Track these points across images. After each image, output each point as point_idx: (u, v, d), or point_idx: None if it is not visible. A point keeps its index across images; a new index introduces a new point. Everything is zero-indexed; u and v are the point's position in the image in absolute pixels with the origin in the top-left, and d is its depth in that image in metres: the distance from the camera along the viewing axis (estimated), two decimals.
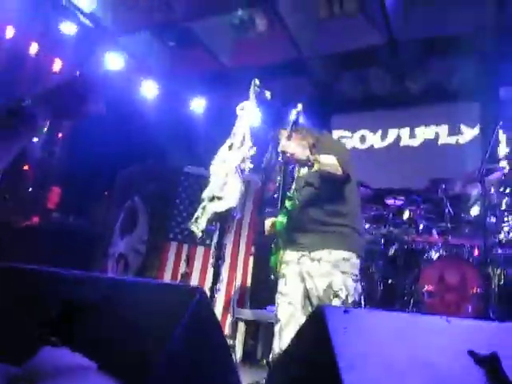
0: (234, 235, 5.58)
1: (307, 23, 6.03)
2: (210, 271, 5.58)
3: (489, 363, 1.44)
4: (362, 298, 4.68)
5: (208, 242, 5.79)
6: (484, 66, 6.54)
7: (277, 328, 2.83)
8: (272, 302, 5.84)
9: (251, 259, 5.95)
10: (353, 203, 2.89)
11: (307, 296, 2.80)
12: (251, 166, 3.22)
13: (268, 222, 3.03)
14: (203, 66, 6.73)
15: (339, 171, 2.68)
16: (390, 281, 5.22)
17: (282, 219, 2.89)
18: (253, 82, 3.38)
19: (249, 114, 3.30)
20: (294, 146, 2.67)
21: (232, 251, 5.53)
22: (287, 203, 2.88)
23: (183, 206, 6.14)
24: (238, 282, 5.49)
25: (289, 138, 2.72)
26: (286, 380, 1.58)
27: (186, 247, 5.85)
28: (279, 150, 2.68)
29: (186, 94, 7.59)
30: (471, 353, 1.46)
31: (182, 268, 5.64)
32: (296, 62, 6.74)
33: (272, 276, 2.96)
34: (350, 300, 2.69)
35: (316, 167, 2.58)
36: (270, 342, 5.24)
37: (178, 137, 7.27)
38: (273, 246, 2.99)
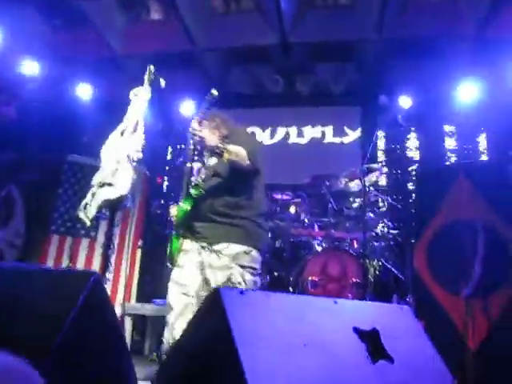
0: (121, 227, 5.40)
1: (202, 16, 6.00)
2: (96, 264, 5.43)
3: (370, 338, 1.57)
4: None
5: (93, 233, 5.55)
6: (366, 73, 7.03)
7: (170, 318, 2.73)
8: (159, 295, 5.78)
9: (138, 252, 5.81)
10: (257, 197, 2.92)
11: (204, 287, 2.76)
12: (141, 155, 3.13)
13: (174, 209, 2.93)
14: (92, 50, 6.38)
15: (246, 163, 2.70)
16: (276, 273, 5.40)
17: (185, 206, 2.82)
18: (148, 69, 3.29)
19: (142, 101, 3.21)
20: (205, 131, 2.66)
21: (119, 243, 5.35)
22: (193, 190, 2.82)
23: (66, 197, 5.82)
24: (124, 274, 5.32)
25: (200, 123, 2.69)
26: (182, 367, 1.57)
27: (69, 240, 5.55)
28: (190, 132, 2.65)
29: (71, 77, 7.14)
30: (355, 329, 1.58)
31: (65, 262, 5.34)
32: (189, 53, 6.68)
33: (169, 264, 2.88)
34: None
35: (225, 157, 2.59)
36: (158, 336, 5.18)
37: (61, 123, 6.83)
38: (173, 233, 2.91)
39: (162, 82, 3.06)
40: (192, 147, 2.84)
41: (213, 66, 7.11)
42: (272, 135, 7.65)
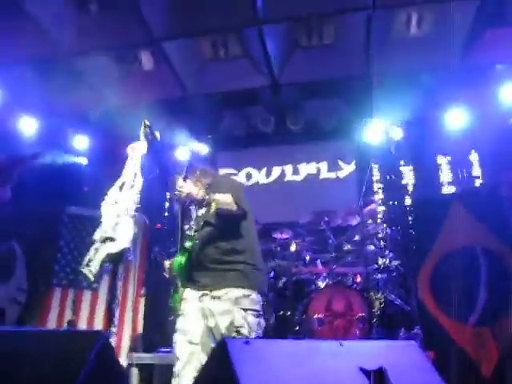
0: (124, 278, 5.39)
1: (192, 63, 6.17)
2: (99, 316, 5.38)
3: (377, 377, 1.58)
4: None
5: (95, 285, 5.53)
6: (355, 107, 7.18)
7: (177, 367, 2.76)
8: (164, 343, 5.71)
9: (142, 301, 5.77)
10: (250, 239, 3.00)
11: (208, 334, 2.81)
12: (138, 205, 3.21)
13: (167, 263, 3.03)
14: (87, 104, 6.54)
15: (234, 208, 2.79)
16: (281, 312, 5.36)
17: (180, 259, 2.91)
18: (142, 123, 3.38)
19: (139, 155, 3.29)
20: (189, 186, 2.79)
21: (122, 294, 5.32)
22: (187, 243, 2.92)
23: (67, 249, 5.83)
24: (128, 325, 5.27)
25: (184, 179, 2.83)
26: None
27: (71, 292, 5.52)
28: (175, 190, 2.80)
29: (67, 131, 7.28)
30: (362, 370, 1.59)
31: (68, 315, 5.30)
32: (181, 100, 6.83)
33: (172, 317, 2.97)
34: (254, 335, 2.73)
35: (213, 206, 2.71)
36: None
37: (58, 176, 6.92)
38: (172, 286, 3.02)
39: (158, 135, 3.15)
40: (180, 204, 2.96)
41: (205, 111, 7.25)
42: (268, 175, 7.74)
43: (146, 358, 5.20)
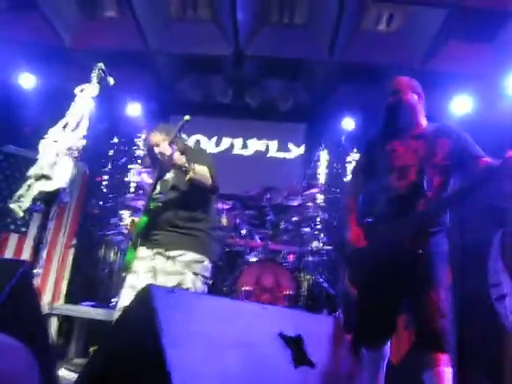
0: (55, 223, 5.22)
1: (158, 18, 5.96)
2: (24, 259, 5.19)
3: (294, 344, 1.64)
4: None
5: (23, 229, 5.34)
6: (313, 92, 7.23)
7: None
8: (88, 297, 5.61)
9: (71, 251, 5.63)
10: (212, 211, 3.14)
11: None
12: (81, 150, 3.12)
13: (130, 220, 3.14)
14: (39, 38, 6.15)
15: (209, 182, 2.90)
16: (211, 281, 5.39)
17: (143, 218, 2.97)
18: (97, 66, 3.25)
19: (88, 98, 3.17)
20: (173, 149, 2.80)
21: (52, 240, 5.16)
22: (151, 204, 2.97)
23: None
24: (53, 272, 5.14)
25: (171, 143, 2.83)
26: (108, 366, 1.56)
27: None
28: (157, 151, 2.82)
29: (14, 65, 6.84)
30: (281, 335, 1.64)
31: None
32: (141, 55, 6.61)
33: (124, 272, 3.01)
34: None
35: (190, 174, 2.77)
36: (84, 340, 5.02)
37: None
38: (130, 243, 3.03)
39: (111, 80, 3.04)
40: (149, 159, 2.98)
41: (164, 70, 7.07)
42: (217, 144, 7.71)
43: (68, 309, 5.10)
